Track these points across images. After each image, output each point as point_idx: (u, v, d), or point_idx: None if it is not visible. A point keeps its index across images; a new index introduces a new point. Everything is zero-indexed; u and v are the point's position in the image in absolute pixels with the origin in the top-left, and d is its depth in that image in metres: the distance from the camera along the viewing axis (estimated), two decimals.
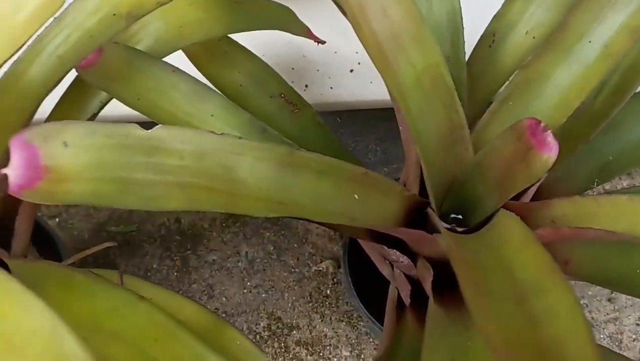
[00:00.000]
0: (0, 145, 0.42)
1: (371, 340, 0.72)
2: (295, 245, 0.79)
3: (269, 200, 0.35)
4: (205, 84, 0.46)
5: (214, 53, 0.52)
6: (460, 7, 0.50)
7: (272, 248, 0.78)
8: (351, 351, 0.72)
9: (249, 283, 0.76)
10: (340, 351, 0.72)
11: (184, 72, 0.45)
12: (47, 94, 0.41)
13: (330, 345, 0.72)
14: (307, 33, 0.54)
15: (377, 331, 0.68)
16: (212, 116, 0.45)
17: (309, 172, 0.37)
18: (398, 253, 0.48)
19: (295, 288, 0.76)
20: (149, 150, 0.31)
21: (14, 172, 0.28)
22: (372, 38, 0.38)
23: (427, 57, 0.40)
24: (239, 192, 0.33)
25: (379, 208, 0.42)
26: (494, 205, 0.43)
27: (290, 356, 0.71)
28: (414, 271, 0.49)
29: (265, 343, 0.72)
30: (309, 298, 0.75)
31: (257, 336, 0.73)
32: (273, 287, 0.76)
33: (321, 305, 0.75)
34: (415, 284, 0.49)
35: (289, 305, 0.75)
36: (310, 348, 0.72)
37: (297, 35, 0.53)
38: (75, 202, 0.29)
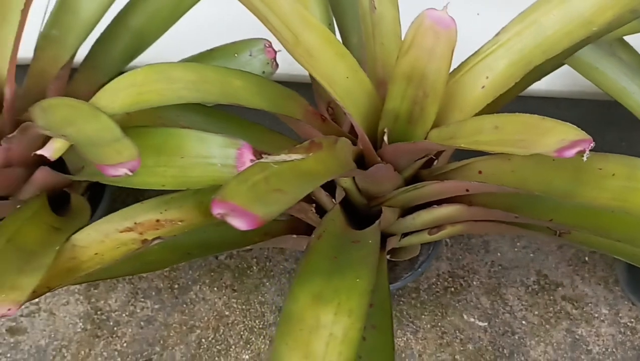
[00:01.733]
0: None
1: (626, 302, 0.84)
2: None
3: None
4: None
5: None
6: None
7: None
8: (609, 310, 0.84)
9: (518, 244, 0.88)
10: (600, 309, 0.84)
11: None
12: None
13: (591, 302, 0.85)
14: None
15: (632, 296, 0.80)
16: None
17: None
18: None
19: (557, 252, 0.88)
20: None
21: None
22: None
23: None
24: None
25: None
26: None
27: (558, 308, 0.84)
28: None
29: (536, 294, 0.85)
30: (569, 262, 0.87)
31: (529, 288, 0.85)
32: (539, 249, 0.88)
33: (581, 268, 0.87)
34: None
35: (553, 265, 0.87)
36: (574, 304, 0.84)
37: None
38: None
